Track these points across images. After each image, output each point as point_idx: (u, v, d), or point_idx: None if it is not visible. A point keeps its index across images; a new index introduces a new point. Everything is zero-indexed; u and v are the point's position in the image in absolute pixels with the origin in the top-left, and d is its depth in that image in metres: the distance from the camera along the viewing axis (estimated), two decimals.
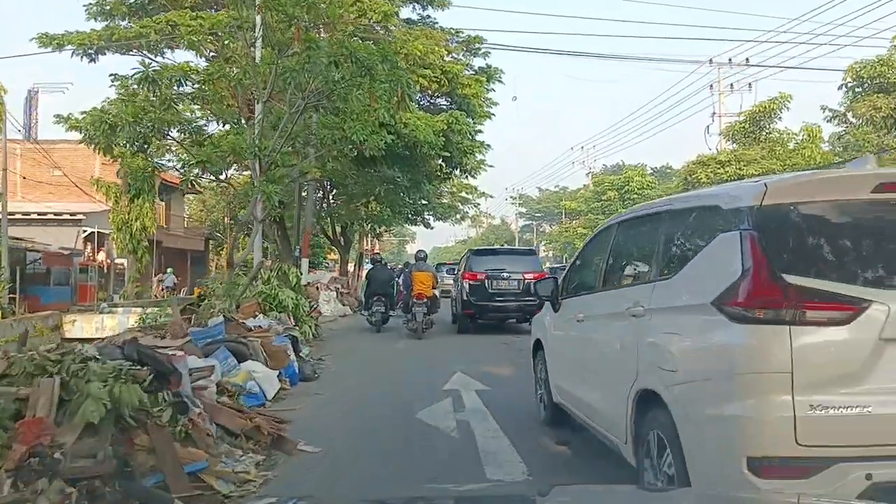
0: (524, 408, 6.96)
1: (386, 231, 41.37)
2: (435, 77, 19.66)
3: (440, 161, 21.30)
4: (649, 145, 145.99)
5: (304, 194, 20.01)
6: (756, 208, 3.23)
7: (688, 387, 3.35)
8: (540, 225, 77.04)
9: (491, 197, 39.38)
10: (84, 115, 14.40)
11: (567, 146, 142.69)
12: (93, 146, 11.68)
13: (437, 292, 15.88)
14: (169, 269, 30.09)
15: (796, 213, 3.21)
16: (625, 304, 4.19)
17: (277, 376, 8.00)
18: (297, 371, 8.87)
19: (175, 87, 11.33)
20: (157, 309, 12.25)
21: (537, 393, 6.64)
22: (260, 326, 9.83)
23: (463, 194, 36.81)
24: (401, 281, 17.58)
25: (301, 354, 10.38)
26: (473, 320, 16.10)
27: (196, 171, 11.54)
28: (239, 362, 7.56)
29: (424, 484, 4.61)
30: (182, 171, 12.22)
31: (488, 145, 22.64)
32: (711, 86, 35.48)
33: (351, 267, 33.06)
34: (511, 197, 70.54)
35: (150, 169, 12.23)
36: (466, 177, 23.38)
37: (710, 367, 3.24)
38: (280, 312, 12.83)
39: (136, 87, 11.29)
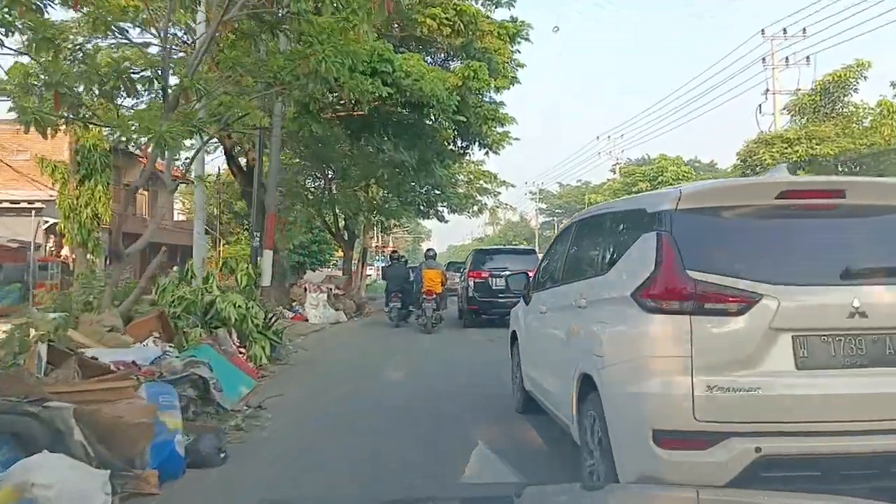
0: None
1: (396, 225, 36.82)
2: (447, 19, 15.02)
3: (454, 131, 16.61)
4: (677, 139, 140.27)
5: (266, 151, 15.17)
6: (672, 211, 3.63)
7: (611, 369, 3.75)
8: (561, 221, 72.33)
9: (512, 186, 34.72)
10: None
11: (590, 138, 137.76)
12: None
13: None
14: (174, 267, 25.91)
15: (706, 216, 3.62)
16: (573, 297, 4.61)
17: (119, 473, 4.29)
18: (179, 451, 4.86)
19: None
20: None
21: (514, 382, 7.09)
22: (133, 362, 5.23)
23: (481, 183, 32.04)
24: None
25: (220, 403, 6.80)
26: (478, 315, 17.28)
27: (35, 99, 6.91)
28: (23, 453, 4.03)
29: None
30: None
31: (512, 118, 17.91)
32: (764, 59, 30.63)
33: (355, 265, 28.42)
34: (531, 192, 66.03)
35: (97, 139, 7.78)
36: (487, 153, 18.69)
37: (627, 351, 3.64)
38: (216, 329, 8.17)
39: None
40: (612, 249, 4.38)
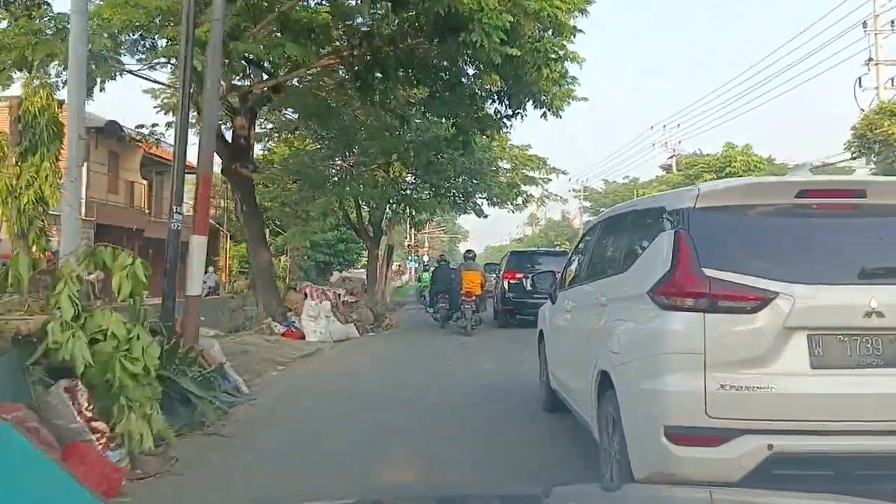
0: None
1: (430, 220, 32.01)
2: None
3: (501, 81, 11.65)
4: (727, 133, 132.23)
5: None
6: (690, 210, 3.69)
7: (626, 366, 3.86)
8: None
9: (563, 173, 29.13)
10: None
11: (636, 132, 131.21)
12: None
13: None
14: (209, 268, 24.98)
15: (724, 214, 3.68)
16: (595, 296, 4.73)
17: None
18: None
19: None
20: None
21: (541, 381, 7.18)
22: None
23: (527, 171, 26.91)
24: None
25: None
26: (513, 316, 17.69)
27: None
28: None
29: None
30: None
31: (582, 60, 12.71)
32: (865, 23, 25.49)
33: (380, 264, 23.82)
34: (573, 189, 60.97)
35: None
36: (545, 114, 13.51)
37: (642, 348, 3.73)
38: (48, 387, 2.99)
39: None
40: (632, 247, 4.47)
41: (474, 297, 15.94)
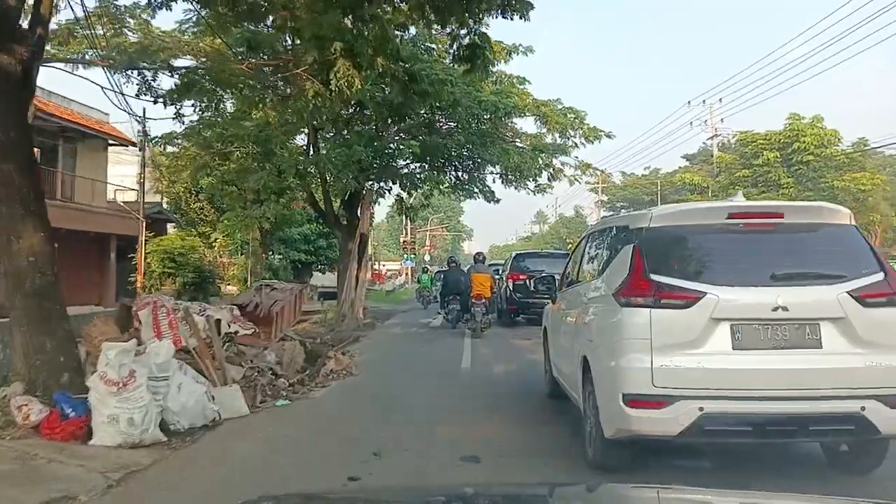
0: None
1: (426, 205, 24.17)
2: None
3: None
4: (772, 111, 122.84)
5: None
6: (645, 228, 4.92)
7: (598, 350, 5.10)
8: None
9: (608, 137, 20.46)
10: None
11: (652, 123, 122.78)
12: None
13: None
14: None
15: (669, 232, 4.93)
16: (580, 296, 5.96)
17: None
18: None
19: None
20: None
21: (545, 371, 8.24)
22: None
23: (556, 138, 18.83)
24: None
25: None
26: (517, 315, 18.58)
27: None
28: None
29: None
30: None
31: None
32: None
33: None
34: (588, 182, 52.54)
35: None
36: None
37: (608, 336, 4.94)
38: None
39: None
40: (606, 257, 5.62)
41: (484, 300, 16.23)
